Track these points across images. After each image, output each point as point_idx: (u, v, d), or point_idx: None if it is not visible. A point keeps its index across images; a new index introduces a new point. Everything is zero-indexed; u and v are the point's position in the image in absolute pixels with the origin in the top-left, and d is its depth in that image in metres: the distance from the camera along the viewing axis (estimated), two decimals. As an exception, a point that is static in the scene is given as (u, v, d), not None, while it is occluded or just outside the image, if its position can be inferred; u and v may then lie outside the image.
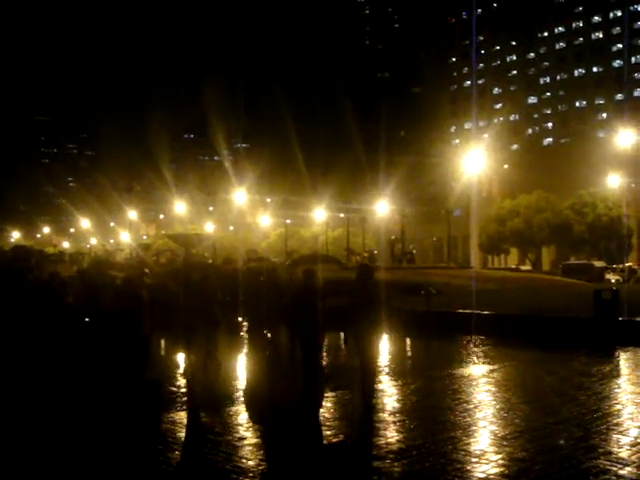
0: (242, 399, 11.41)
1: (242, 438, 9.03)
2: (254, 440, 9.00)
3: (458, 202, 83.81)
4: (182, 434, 9.33)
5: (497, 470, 7.42)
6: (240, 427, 9.66)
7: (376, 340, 10.27)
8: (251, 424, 9.84)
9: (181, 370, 14.60)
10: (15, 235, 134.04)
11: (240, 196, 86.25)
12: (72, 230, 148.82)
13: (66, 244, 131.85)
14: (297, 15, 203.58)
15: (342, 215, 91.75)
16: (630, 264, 59.05)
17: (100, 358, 11.90)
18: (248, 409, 10.72)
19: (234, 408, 10.77)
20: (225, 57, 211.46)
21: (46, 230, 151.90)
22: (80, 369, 11.85)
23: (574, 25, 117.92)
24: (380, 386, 12.67)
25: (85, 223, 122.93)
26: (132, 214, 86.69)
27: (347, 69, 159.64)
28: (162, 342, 17.83)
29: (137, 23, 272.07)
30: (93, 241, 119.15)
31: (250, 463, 7.92)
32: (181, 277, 13.67)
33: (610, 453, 8.01)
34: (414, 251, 74.79)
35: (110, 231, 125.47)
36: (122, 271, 15.19)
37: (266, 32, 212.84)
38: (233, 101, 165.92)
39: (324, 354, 13.75)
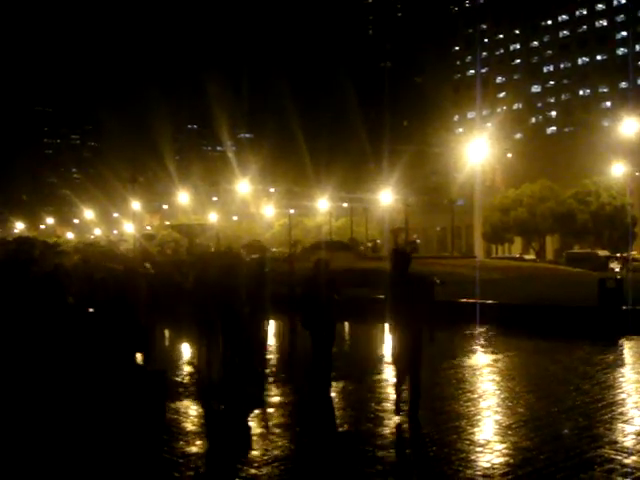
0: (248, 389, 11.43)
1: (248, 427, 9.05)
2: (259, 430, 9.01)
3: (461, 192, 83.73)
4: (187, 424, 9.33)
5: (502, 459, 7.43)
6: (246, 416, 9.67)
7: (422, 334, 9.50)
8: (256, 413, 9.85)
9: (186, 360, 14.64)
10: (19, 226, 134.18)
11: (243, 186, 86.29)
12: (76, 221, 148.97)
13: (70, 235, 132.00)
14: (300, 5, 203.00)
15: (345, 205, 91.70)
16: (634, 252, 58.92)
17: (103, 349, 11.90)
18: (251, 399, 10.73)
19: (242, 397, 10.75)
20: (227, 47, 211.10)
21: (50, 221, 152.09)
22: (83, 360, 11.86)
23: (578, 13, 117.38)
24: (384, 376, 12.70)
25: (89, 214, 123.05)
26: (136, 205, 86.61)
27: (350, 59, 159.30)
28: (165, 332, 17.84)
29: (140, 14, 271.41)
30: (97, 232, 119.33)
31: (255, 453, 7.94)
32: (199, 266, 13.40)
33: (615, 442, 8.01)
34: (418, 240, 74.78)
35: (114, 222, 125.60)
36: (122, 263, 15.20)
37: (269, 22, 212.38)
38: (236, 92, 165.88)
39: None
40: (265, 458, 7.75)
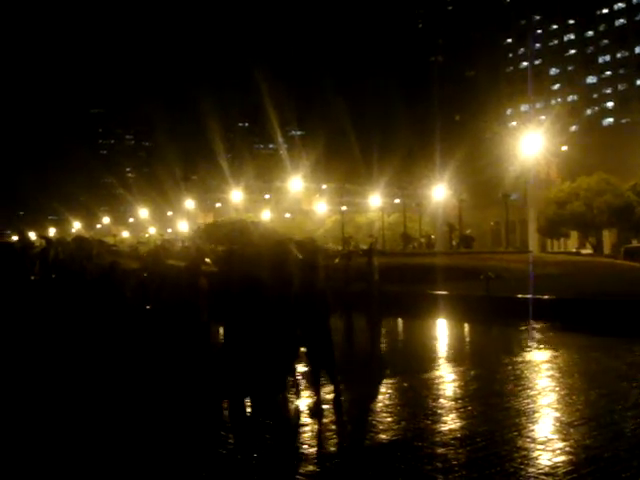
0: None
1: (303, 424, 9.04)
2: (315, 427, 8.98)
3: (516, 185, 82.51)
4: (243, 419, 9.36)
5: (564, 458, 7.27)
6: (302, 414, 9.66)
7: None
8: (312, 411, 9.82)
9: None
10: (76, 225, 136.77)
11: (296, 183, 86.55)
12: (131, 220, 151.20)
13: (125, 234, 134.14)
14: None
15: (398, 201, 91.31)
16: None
17: (161, 346, 12.02)
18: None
19: (295, 395, 10.74)
20: (277, 44, 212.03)
21: (106, 220, 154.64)
22: (141, 357, 12.00)
23: (635, 0, 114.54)
24: (440, 372, 12.59)
25: (143, 213, 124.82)
26: (189, 203, 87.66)
27: (400, 53, 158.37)
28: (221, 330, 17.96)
29: (190, 13, 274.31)
30: (152, 230, 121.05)
31: (311, 450, 7.92)
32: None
33: (682, 440, 7.78)
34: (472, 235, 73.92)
35: (168, 220, 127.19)
36: (181, 260, 15.30)
37: (319, 18, 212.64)
38: (286, 88, 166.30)
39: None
40: (322, 455, 7.73)
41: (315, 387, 9.94)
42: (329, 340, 10.01)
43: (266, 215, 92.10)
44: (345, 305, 16.15)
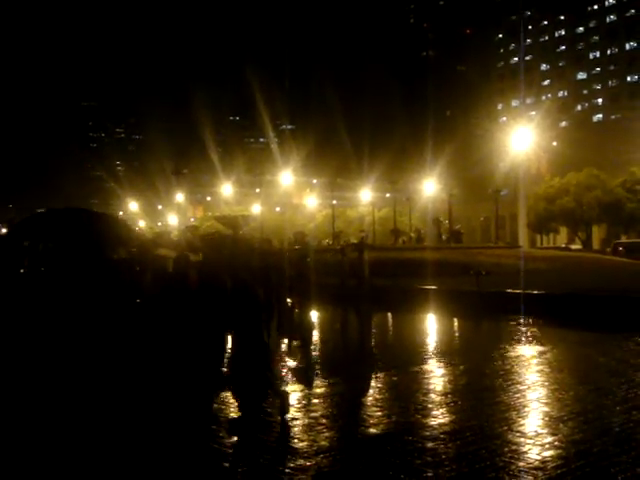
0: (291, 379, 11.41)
1: (294, 418, 9.03)
2: (306, 421, 8.98)
3: (506, 181, 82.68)
4: (234, 414, 9.35)
5: (553, 452, 7.30)
6: (291, 407, 9.66)
7: None
8: (302, 405, 9.83)
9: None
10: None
11: (286, 177, 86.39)
12: (121, 213, 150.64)
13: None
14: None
15: (388, 195, 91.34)
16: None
17: (151, 340, 11.98)
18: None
19: (286, 389, 10.73)
20: (270, 38, 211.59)
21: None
22: (131, 351, 11.97)
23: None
24: (430, 367, 12.62)
25: (133, 206, 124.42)
26: (179, 197, 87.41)
27: (392, 48, 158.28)
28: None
29: (182, 7, 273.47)
30: (141, 224, 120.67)
31: (302, 444, 7.92)
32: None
33: (670, 435, 7.82)
34: (462, 230, 74.02)
35: (158, 214, 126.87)
36: (173, 250, 15.22)
37: (310, 13, 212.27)
38: (278, 83, 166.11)
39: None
40: (313, 449, 7.73)
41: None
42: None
43: (256, 209, 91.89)
44: (343, 300, 16.25)
